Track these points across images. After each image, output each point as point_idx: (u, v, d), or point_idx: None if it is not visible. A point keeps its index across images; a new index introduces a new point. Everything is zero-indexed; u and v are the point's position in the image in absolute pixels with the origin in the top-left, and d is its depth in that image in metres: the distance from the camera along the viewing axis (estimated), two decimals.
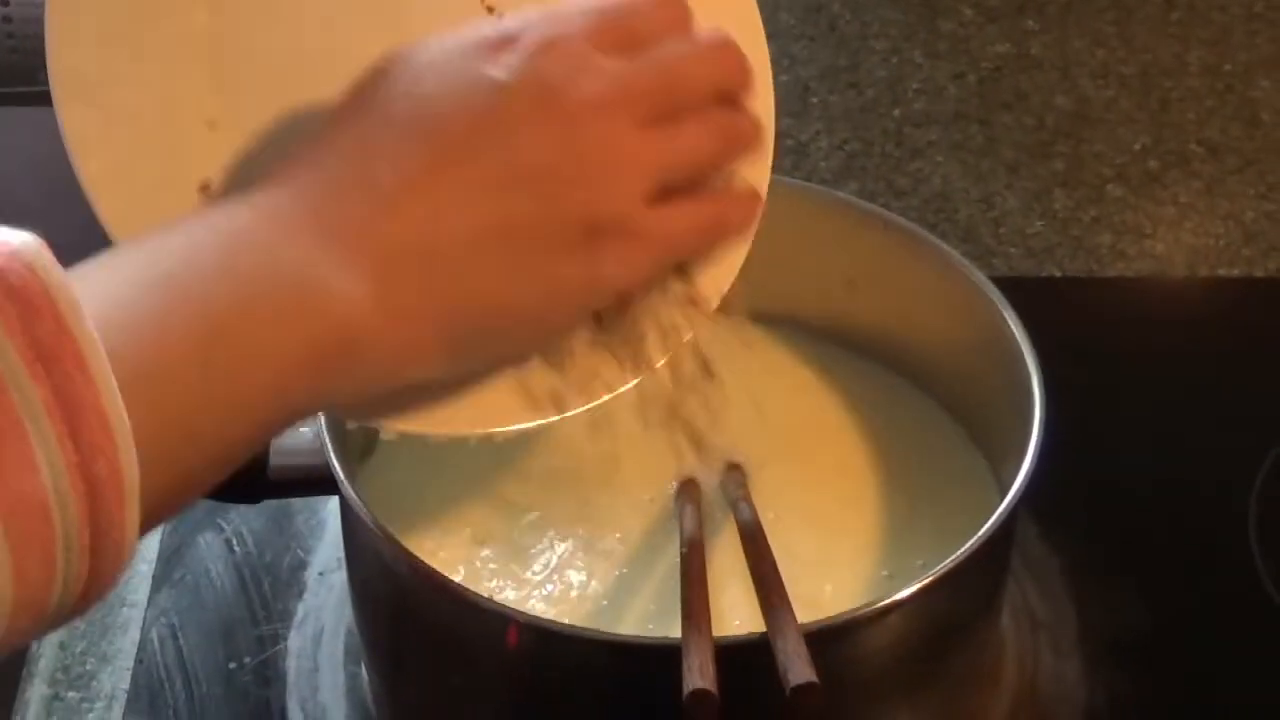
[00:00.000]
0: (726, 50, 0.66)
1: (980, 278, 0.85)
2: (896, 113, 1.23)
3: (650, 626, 0.78)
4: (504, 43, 0.61)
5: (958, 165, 1.18)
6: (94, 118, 0.65)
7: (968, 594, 0.76)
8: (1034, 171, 1.18)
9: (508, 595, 0.80)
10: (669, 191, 0.63)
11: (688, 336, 0.71)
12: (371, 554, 0.77)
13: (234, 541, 0.93)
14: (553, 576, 0.81)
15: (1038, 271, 1.11)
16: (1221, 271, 1.12)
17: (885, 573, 0.81)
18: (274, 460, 0.79)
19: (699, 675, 0.64)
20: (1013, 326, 0.82)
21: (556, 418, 0.70)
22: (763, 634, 0.67)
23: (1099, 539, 0.93)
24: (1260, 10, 1.31)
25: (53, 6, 0.65)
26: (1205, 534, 0.93)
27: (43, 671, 0.87)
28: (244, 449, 0.56)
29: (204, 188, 0.66)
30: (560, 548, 0.83)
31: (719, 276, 0.71)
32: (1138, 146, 1.20)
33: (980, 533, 0.72)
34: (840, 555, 0.82)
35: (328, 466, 0.75)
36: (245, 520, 0.94)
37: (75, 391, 0.47)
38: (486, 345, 0.62)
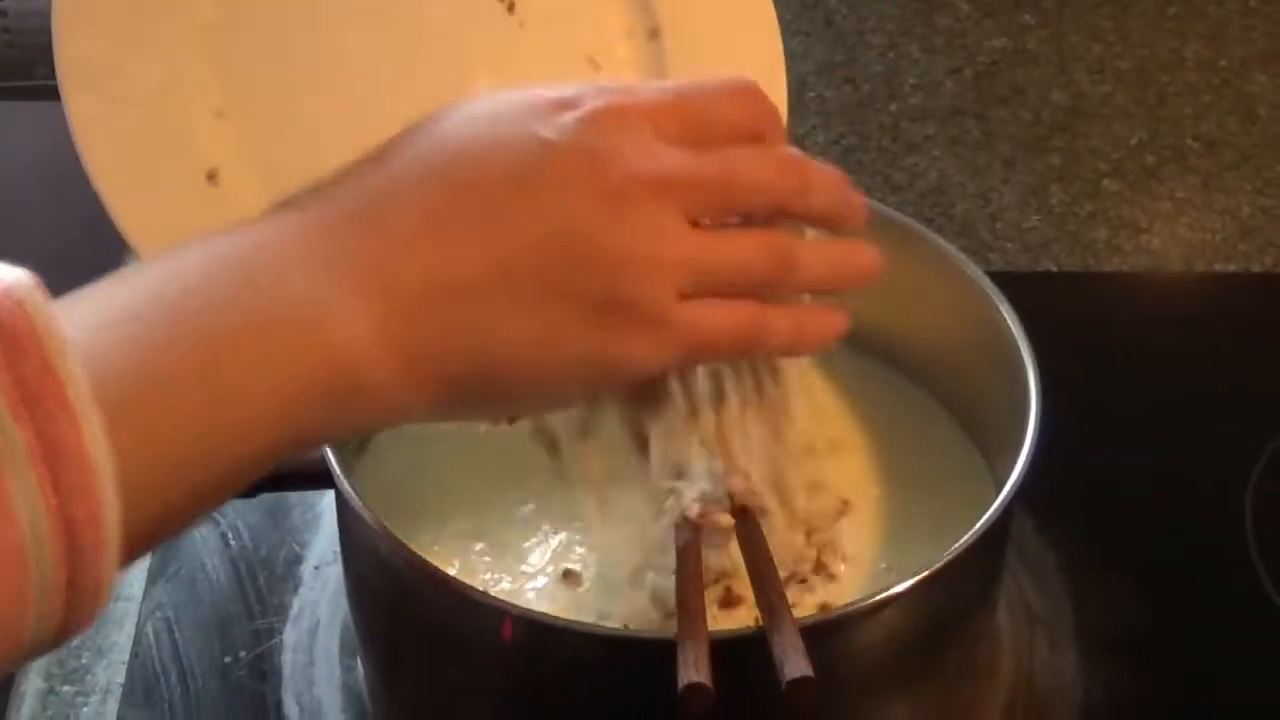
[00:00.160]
0: (798, 165, 0.63)
1: (976, 273, 0.85)
2: (893, 107, 1.23)
3: (646, 620, 0.78)
4: (563, 104, 0.59)
5: (954, 160, 1.18)
6: (101, 107, 0.65)
7: (964, 589, 0.76)
8: (1030, 166, 1.18)
9: (503, 588, 0.80)
10: (709, 290, 0.60)
11: None
12: (367, 548, 0.77)
13: (229, 535, 0.93)
14: (548, 569, 0.81)
15: (1034, 266, 1.11)
16: (1218, 267, 1.12)
17: (883, 565, 0.81)
18: None
19: (694, 669, 0.63)
20: (1009, 321, 0.82)
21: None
22: (759, 628, 0.67)
23: (1095, 534, 0.93)
24: (1256, 5, 1.31)
25: None
26: (1202, 529, 0.93)
27: (38, 665, 0.87)
28: (234, 483, 0.55)
29: (211, 176, 0.66)
30: (555, 540, 0.83)
31: None
32: (1134, 141, 1.20)
33: (976, 527, 0.72)
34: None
35: (323, 460, 0.75)
36: (241, 514, 0.94)
37: (58, 433, 0.47)
38: (485, 397, 0.60)
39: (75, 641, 0.88)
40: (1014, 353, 0.80)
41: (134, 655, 0.87)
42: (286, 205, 0.58)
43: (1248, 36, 1.29)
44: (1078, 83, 1.25)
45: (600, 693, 0.74)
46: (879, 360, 0.92)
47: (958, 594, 0.75)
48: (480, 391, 0.59)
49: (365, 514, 0.73)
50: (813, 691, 0.62)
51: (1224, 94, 1.24)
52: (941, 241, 0.87)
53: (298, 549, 0.93)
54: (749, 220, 0.62)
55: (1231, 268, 1.11)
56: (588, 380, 0.61)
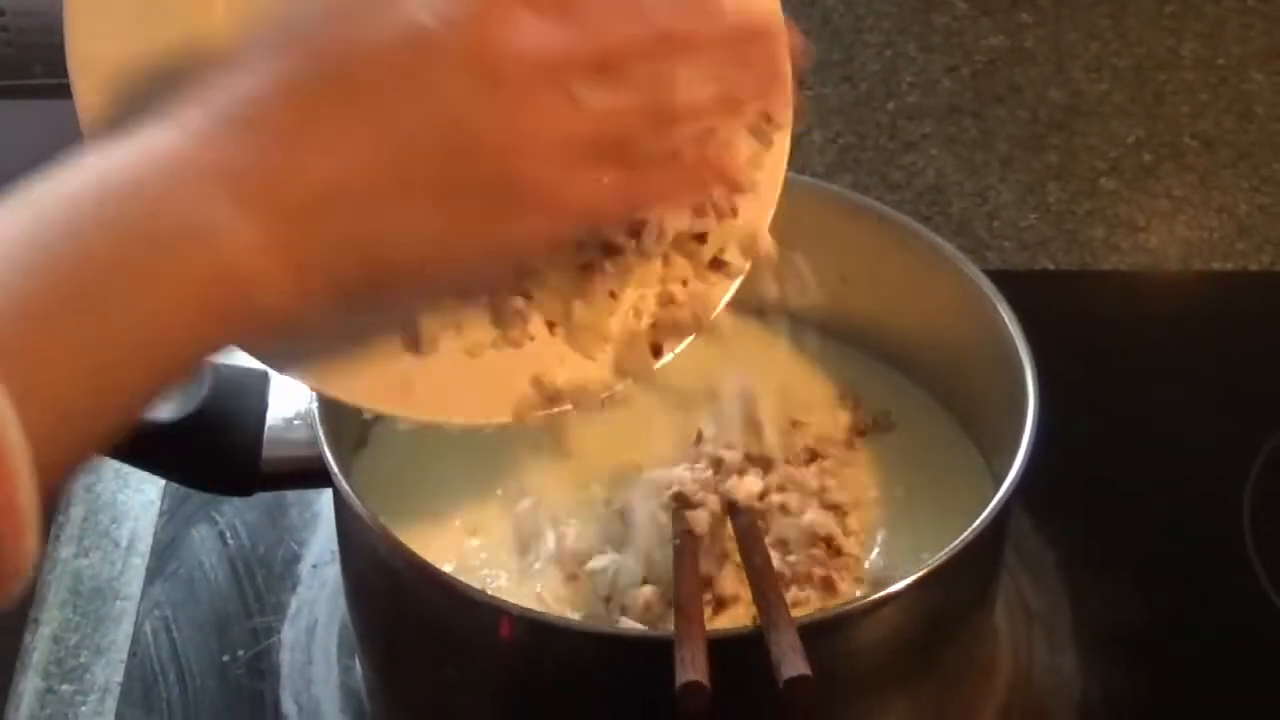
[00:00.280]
0: (671, 8, 0.61)
1: (974, 271, 0.85)
2: (890, 106, 1.23)
3: (644, 618, 0.78)
4: None
5: (951, 159, 1.18)
6: (111, 107, 0.64)
7: (962, 587, 0.76)
8: (1028, 165, 1.18)
9: (500, 585, 0.80)
10: (599, 158, 0.60)
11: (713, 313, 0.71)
12: (365, 546, 0.77)
13: (228, 534, 0.93)
14: (545, 567, 0.81)
15: (1031, 265, 1.11)
16: (1215, 265, 1.12)
17: (882, 564, 0.81)
18: (268, 453, 0.79)
19: (691, 668, 0.64)
20: (1006, 320, 0.82)
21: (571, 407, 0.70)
22: (756, 627, 0.67)
23: (1093, 532, 0.93)
24: (1254, 4, 1.31)
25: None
26: (1199, 527, 0.93)
27: (36, 664, 0.87)
28: (143, 398, 0.54)
29: None
30: (551, 538, 0.83)
31: (744, 241, 0.72)
32: (1131, 140, 1.20)
33: (974, 525, 0.72)
34: None
35: (321, 459, 0.75)
36: (239, 513, 0.94)
37: None
38: (380, 301, 0.60)
39: (73, 640, 0.88)
40: (1012, 351, 0.80)
41: (132, 654, 0.87)
42: (164, 117, 0.56)
43: (1245, 35, 1.29)
44: (1075, 81, 1.25)
45: (598, 691, 0.74)
46: (876, 358, 0.92)
47: (956, 592, 0.75)
48: (375, 295, 0.58)
49: (363, 512, 0.73)
50: (810, 690, 0.62)
51: (1221, 92, 1.24)
52: (939, 240, 0.87)
53: (296, 548, 0.93)
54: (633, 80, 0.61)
55: (1229, 266, 1.11)
56: (487, 269, 0.61)
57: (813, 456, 0.85)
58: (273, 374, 0.76)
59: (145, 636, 0.88)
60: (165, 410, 0.78)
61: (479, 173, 0.57)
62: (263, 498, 0.92)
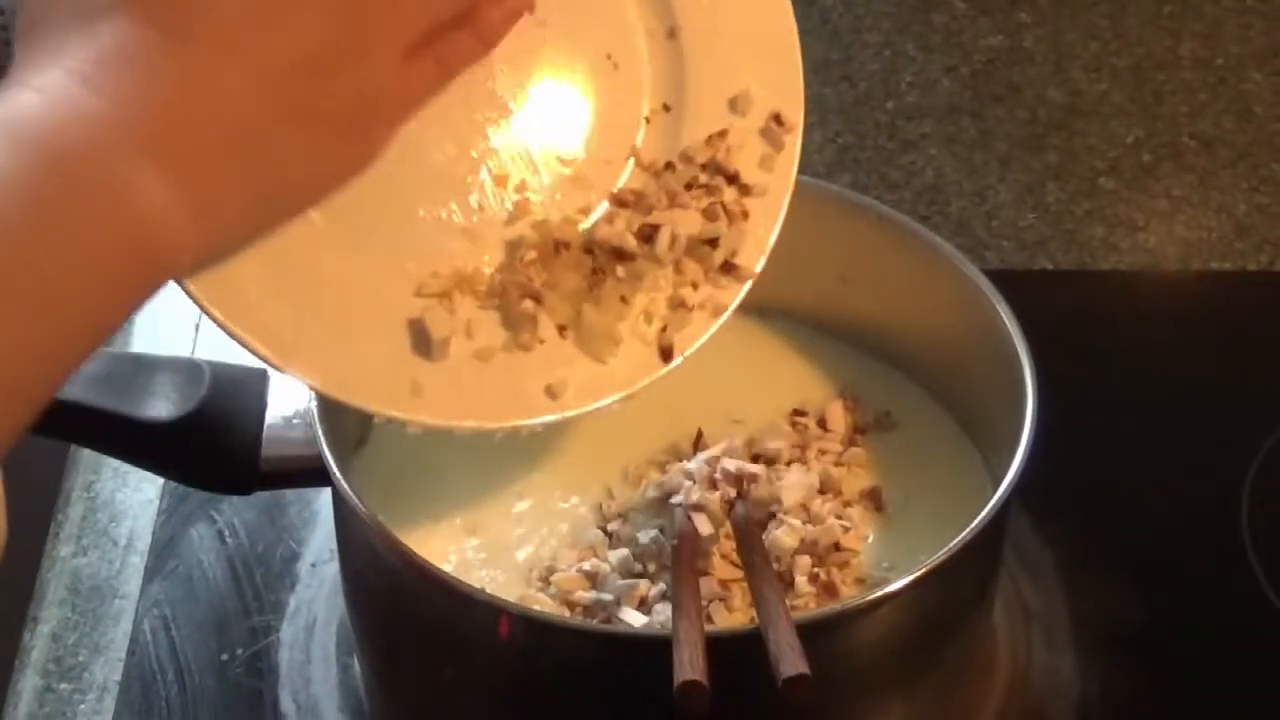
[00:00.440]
0: None
1: (973, 271, 0.85)
2: (889, 106, 1.23)
3: (642, 617, 0.78)
4: None
5: (950, 158, 1.18)
6: None
7: (960, 587, 0.76)
8: (1027, 164, 1.18)
9: (499, 584, 0.80)
10: (429, 43, 0.63)
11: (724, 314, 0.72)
12: (364, 545, 0.77)
13: (226, 533, 0.93)
14: (544, 567, 0.81)
15: (1030, 264, 1.11)
16: (1214, 265, 1.12)
17: (881, 564, 0.81)
18: (266, 452, 0.79)
19: (689, 667, 0.64)
20: (1005, 319, 0.82)
21: (582, 410, 0.70)
22: (755, 626, 0.67)
23: (1092, 532, 0.93)
24: (1253, 3, 1.31)
25: None
26: (1198, 527, 0.93)
27: (35, 662, 0.87)
28: (77, 358, 0.54)
29: None
30: (550, 537, 0.83)
31: (755, 246, 0.73)
32: (1130, 139, 1.20)
33: (973, 525, 0.72)
34: None
35: (320, 458, 0.75)
36: (237, 512, 0.94)
37: None
38: (273, 220, 0.62)
39: (72, 639, 0.88)
40: (1010, 351, 0.80)
41: (131, 653, 0.87)
42: (20, 84, 0.55)
43: (1244, 35, 1.29)
44: (1074, 81, 1.25)
45: (596, 690, 0.74)
46: (875, 357, 0.92)
47: (954, 592, 0.76)
48: (270, 217, 0.62)
49: (362, 511, 0.73)
50: (809, 689, 0.62)
51: (1220, 92, 1.24)
52: (938, 240, 0.87)
53: (294, 546, 0.93)
54: None
55: (1227, 266, 1.11)
56: (367, 163, 0.63)
57: (813, 455, 0.85)
58: (272, 373, 0.76)
59: (144, 635, 0.88)
60: (164, 409, 0.78)
61: (343, 87, 0.60)
62: (261, 497, 0.92)
